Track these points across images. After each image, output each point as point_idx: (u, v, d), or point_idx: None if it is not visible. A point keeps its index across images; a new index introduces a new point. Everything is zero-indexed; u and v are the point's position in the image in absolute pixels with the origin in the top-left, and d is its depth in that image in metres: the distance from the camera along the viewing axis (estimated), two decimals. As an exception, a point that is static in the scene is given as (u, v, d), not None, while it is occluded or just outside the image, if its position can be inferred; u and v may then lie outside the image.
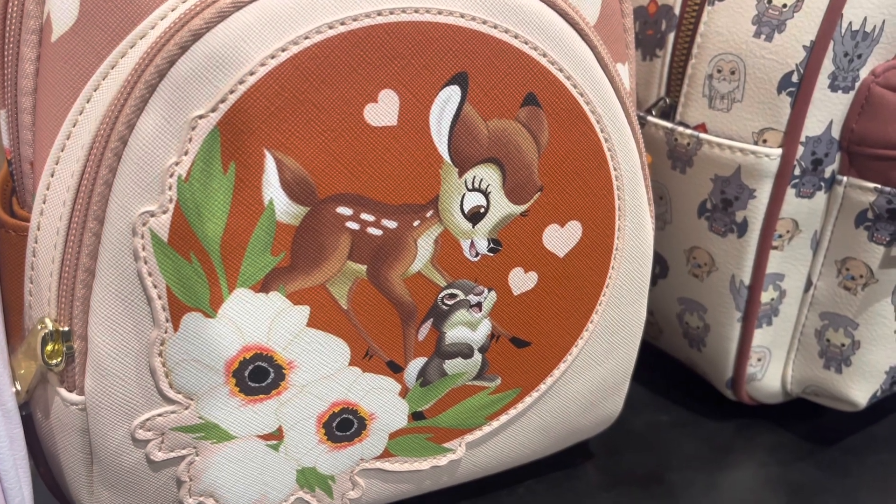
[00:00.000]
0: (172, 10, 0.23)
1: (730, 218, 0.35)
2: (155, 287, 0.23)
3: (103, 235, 0.23)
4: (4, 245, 0.25)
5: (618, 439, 0.38)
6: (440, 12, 0.24)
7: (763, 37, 0.32)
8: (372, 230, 0.25)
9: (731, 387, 0.38)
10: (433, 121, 0.25)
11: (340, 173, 0.24)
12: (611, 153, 0.28)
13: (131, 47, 0.23)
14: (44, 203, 0.24)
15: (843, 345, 0.35)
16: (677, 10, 0.35)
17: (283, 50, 0.22)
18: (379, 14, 0.23)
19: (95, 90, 0.23)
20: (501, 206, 0.27)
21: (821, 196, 0.34)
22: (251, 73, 0.22)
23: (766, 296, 0.36)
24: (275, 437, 0.27)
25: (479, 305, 0.28)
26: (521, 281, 0.28)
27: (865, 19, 0.31)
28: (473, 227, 0.27)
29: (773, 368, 0.38)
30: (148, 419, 0.25)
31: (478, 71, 0.25)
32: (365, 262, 0.26)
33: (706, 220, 0.36)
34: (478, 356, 0.29)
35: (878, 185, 0.32)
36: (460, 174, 0.26)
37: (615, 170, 0.28)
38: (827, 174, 0.33)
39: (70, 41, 0.23)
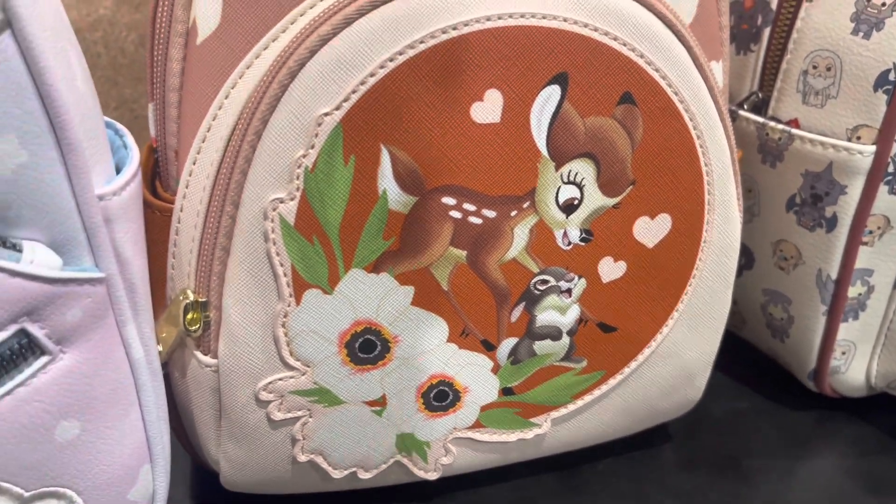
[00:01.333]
0: (301, 16, 0.25)
1: (819, 213, 0.35)
2: (281, 265, 0.26)
3: (238, 218, 0.26)
4: (150, 224, 0.28)
5: (697, 423, 0.39)
6: (544, 17, 0.26)
7: (861, 34, 0.32)
8: (473, 219, 0.27)
9: (812, 378, 0.39)
10: (534, 118, 0.27)
11: (447, 166, 0.26)
12: (702, 149, 0.29)
13: (265, 49, 0.25)
14: (186, 188, 0.27)
15: (931, 342, 0.35)
16: (774, 6, 0.36)
17: (401, 53, 0.25)
18: (487, 19, 0.25)
19: (233, 88, 0.25)
20: (595, 199, 0.28)
21: (915, 193, 0.34)
22: (371, 75, 0.25)
23: (854, 291, 0.36)
24: (379, 403, 0.29)
25: (569, 291, 0.30)
26: (611, 269, 0.30)
27: (969, 18, 0.30)
28: (567, 218, 0.28)
29: (857, 362, 0.38)
30: (270, 382, 0.28)
31: (577, 71, 0.26)
32: (465, 248, 0.28)
33: (794, 214, 0.36)
34: (566, 339, 0.31)
35: (975, 185, 0.32)
36: (557, 168, 0.28)
37: (706, 165, 0.29)
38: (922, 172, 0.33)
39: (212, 44, 0.26)
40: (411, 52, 0.25)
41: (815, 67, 0.34)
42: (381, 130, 0.25)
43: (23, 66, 0.21)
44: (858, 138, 0.33)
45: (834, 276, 0.36)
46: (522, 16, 0.25)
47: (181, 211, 0.27)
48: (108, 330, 0.25)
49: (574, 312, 0.30)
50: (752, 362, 0.44)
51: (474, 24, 0.25)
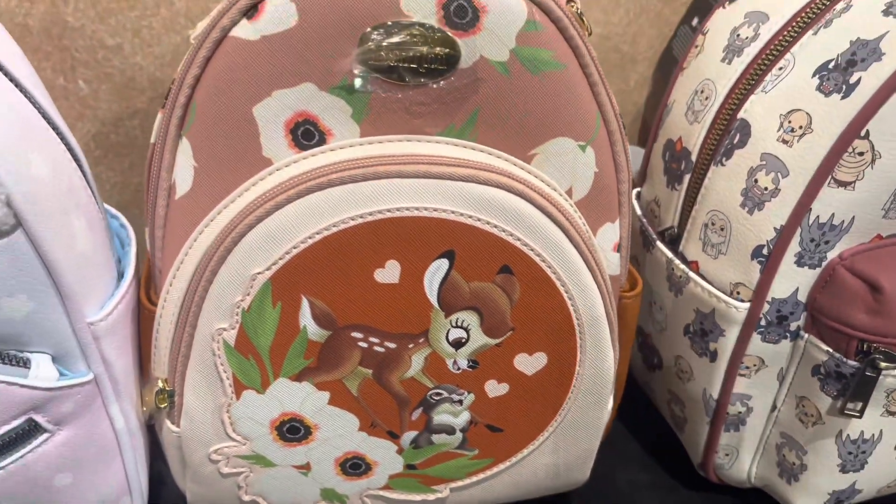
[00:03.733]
0: (254, 185, 0.33)
1: (705, 345, 0.40)
2: (225, 372, 0.34)
3: (195, 336, 0.34)
4: (143, 318, 0.37)
5: (594, 490, 0.46)
6: (435, 210, 0.32)
7: (746, 209, 0.37)
8: (377, 348, 0.35)
9: (701, 469, 0.45)
10: (427, 282, 0.34)
11: (355, 311, 0.34)
12: (573, 307, 0.35)
13: (218, 214, 0.33)
14: (165, 302, 0.35)
15: (794, 463, 0.41)
16: (694, 158, 0.40)
17: (318, 233, 0.32)
18: (388, 211, 0.32)
19: (195, 241, 0.33)
20: (480, 339, 0.35)
21: (786, 343, 0.39)
22: (294, 248, 0.32)
23: (734, 409, 0.42)
24: (304, 468, 0.38)
25: (460, 401, 0.37)
26: (495, 389, 0.37)
27: (833, 214, 0.35)
28: (456, 351, 0.36)
29: (740, 464, 0.44)
30: (218, 448, 0.37)
31: (463, 249, 0.33)
32: (371, 368, 0.35)
33: (689, 339, 0.42)
34: (459, 434, 0.38)
35: (831, 350, 0.37)
36: (446, 316, 0.34)
37: (577, 319, 0.35)
38: (792, 328, 0.38)
39: (186, 201, 0.34)
40: (325, 233, 0.32)
41: (713, 224, 0.39)
42: (302, 285, 0.33)
43: (31, 250, 0.29)
44: (738, 293, 0.38)
45: (715, 396, 0.41)
46: (417, 209, 0.32)
47: (161, 317, 0.36)
48: (97, 411, 0.34)
49: (465, 416, 0.38)
50: (668, 436, 0.49)
51: (377, 214, 0.32)
